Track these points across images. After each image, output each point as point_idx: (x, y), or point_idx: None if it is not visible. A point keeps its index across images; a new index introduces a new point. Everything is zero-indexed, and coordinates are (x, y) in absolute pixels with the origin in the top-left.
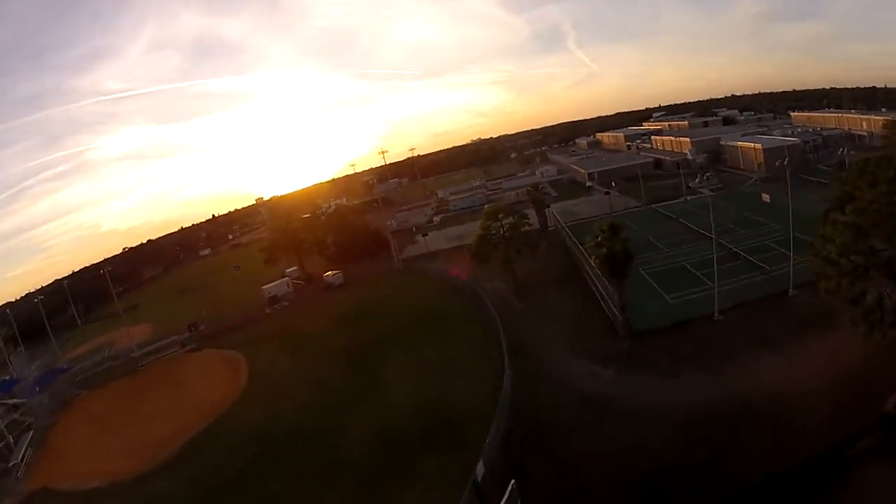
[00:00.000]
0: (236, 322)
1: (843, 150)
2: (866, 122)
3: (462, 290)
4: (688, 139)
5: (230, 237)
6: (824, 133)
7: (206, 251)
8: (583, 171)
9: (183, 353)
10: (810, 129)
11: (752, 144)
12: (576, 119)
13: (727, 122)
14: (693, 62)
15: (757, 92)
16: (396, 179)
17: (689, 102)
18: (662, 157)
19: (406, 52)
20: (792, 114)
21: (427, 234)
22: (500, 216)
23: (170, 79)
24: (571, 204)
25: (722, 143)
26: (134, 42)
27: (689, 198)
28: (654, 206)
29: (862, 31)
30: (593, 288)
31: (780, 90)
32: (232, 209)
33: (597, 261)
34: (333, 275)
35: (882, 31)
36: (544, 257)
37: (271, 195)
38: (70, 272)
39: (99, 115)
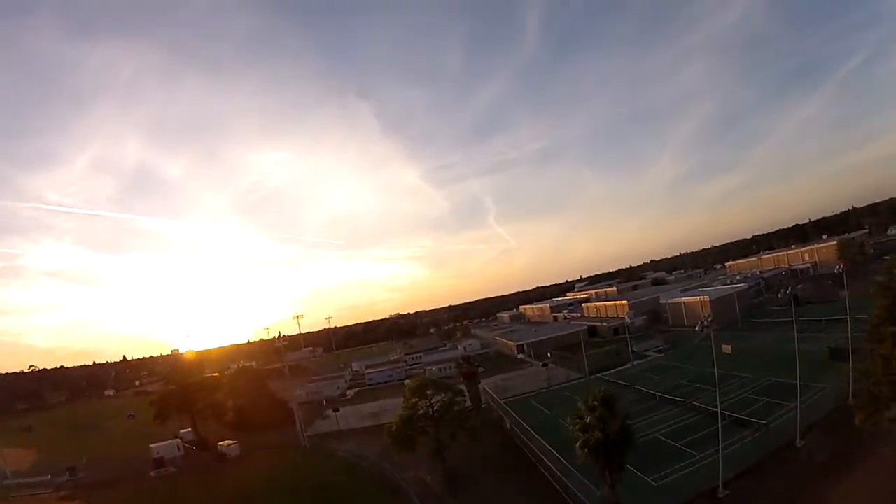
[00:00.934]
0: (115, 478)
1: (789, 287)
2: (808, 254)
3: (377, 478)
4: (625, 302)
5: (137, 383)
6: (765, 275)
7: (111, 392)
8: (511, 343)
9: (54, 498)
10: (749, 275)
11: (699, 298)
12: (495, 295)
13: (657, 283)
14: (610, 231)
15: (678, 253)
16: (311, 348)
17: (611, 272)
18: (598, 323)
19: (330, 219)
20: (727, 265)
21: (339, 410)
22: (429, 392)
23: (105, 206)
24: (504, 378)
25: (662, 301)
26: (81, 153)
27: (636, 362)
28: (599, 375)
29: (778, 174)
30: (553, 480)
31: (701, 247)
32: (146, 355)
33: (584, 450)
34: (229, 445)
35: (795, 170)
36: (479, 439)
37: (187, 349)
38: None
39: (36, 223)
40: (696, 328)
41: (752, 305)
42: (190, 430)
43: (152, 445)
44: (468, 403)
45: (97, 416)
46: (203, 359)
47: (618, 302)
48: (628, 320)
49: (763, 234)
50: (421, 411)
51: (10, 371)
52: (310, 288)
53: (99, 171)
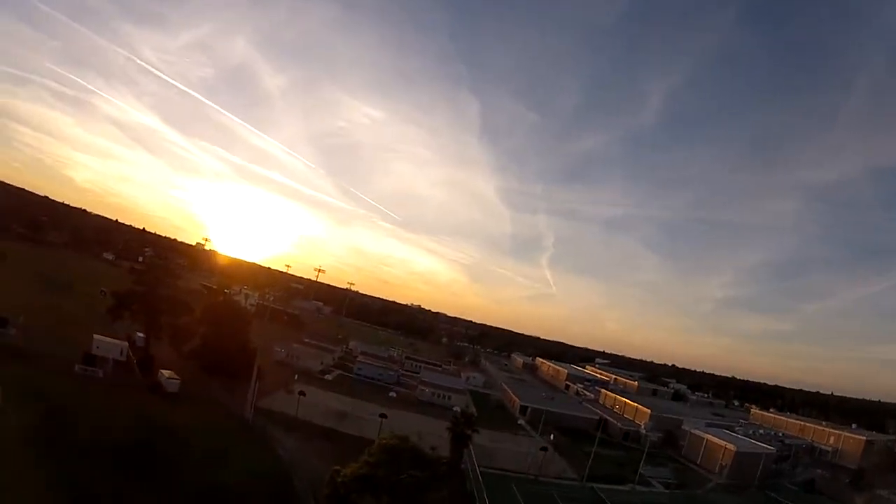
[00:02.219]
0: (35, 353)
1: (816, 472)
2: (833, 437)
3: None
4: (647, 411)
5: (140, 258)
6: (787, 440)
7: (110, 256)
8: (517, 400)
9: None
10: (772, 433)
11: (724, 443)
12: (516, 330)
13: (678, 397)
14: (646, 319)
15: (701, 370)
16: (320, 303)
17: (633, 358)
18: (611, 418)
19: (397, 191)
20: (752, 411)
21: (304, 394)
22: (403, 458)
23: (193, 86)
24: (494, 440)
25: (684, 427)
26: (189, 29)
27: (638, 487)
28: (595, 484)
29: (820, 337)
30: None
31: (722, 373)
32: (169, 236)
33: None
34: (170, 377)
35: (837, 341)
36: None
37: (211, 247)
38: None
39: (122, 72)
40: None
41: (770, 472)
42: (143, 336)
43: (96, 337)
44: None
45: (77, 275)
46: (219, 265)
47: (640, 407)
48: (643, 431)
49: (786, 388)
50: (381, 475)
51: (35, 191)
52: (347, 245)
53: (200, 52)
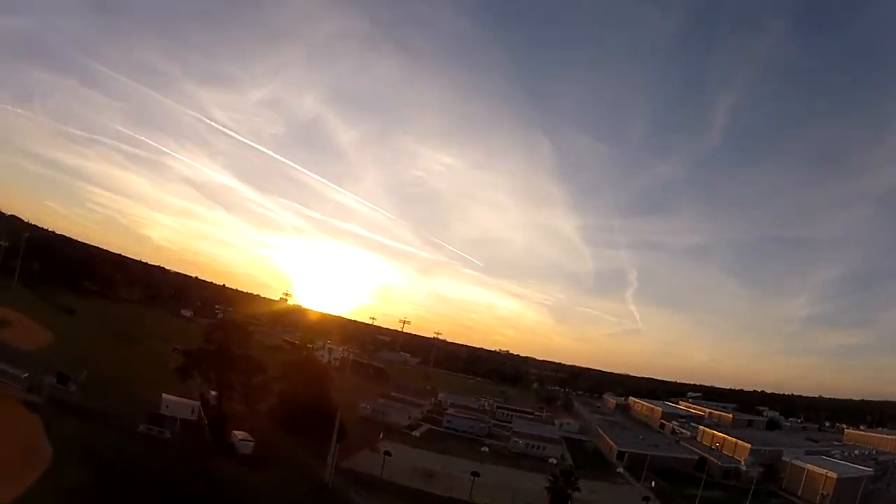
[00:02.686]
0: (101, 413)
1: None
2: None
3: None
4: (748, 446)
5: (218, 313)
6: (880, 458)
7: (188, 313)
8: (613, 445)
9: (13, 398)
10: (866, 452)
11: (824, 471)
12: (606, 369)
13: (772, 426)
14: (733, 347)
15: (789, 393)
16: (407, 355)
17: (723, 388)
18: (709, 455)
19: (477, 237)
20: (845, 431)
21: (390, 454)
22: None
23: (266, 143)
24: (593, 490)
25: (784, 458)
26: (259, 88)
27: None
28: None
29: None
30: None
31: (810, 394)
32: (252, 291)
33: None
34: (243, 438)
35: None
36: None
37: (302, 303)
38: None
39: (193, 132)
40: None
41: (868, 492)
42: (216, 394)
43: (165, 396)
44: None
45: (148, 332)
46: (302, 319)
47: (739, 441)
48: (744, 468)
49: (874, 402)
50: None
51: (110, 249)
52: (430, 293)
53: (271, 109)
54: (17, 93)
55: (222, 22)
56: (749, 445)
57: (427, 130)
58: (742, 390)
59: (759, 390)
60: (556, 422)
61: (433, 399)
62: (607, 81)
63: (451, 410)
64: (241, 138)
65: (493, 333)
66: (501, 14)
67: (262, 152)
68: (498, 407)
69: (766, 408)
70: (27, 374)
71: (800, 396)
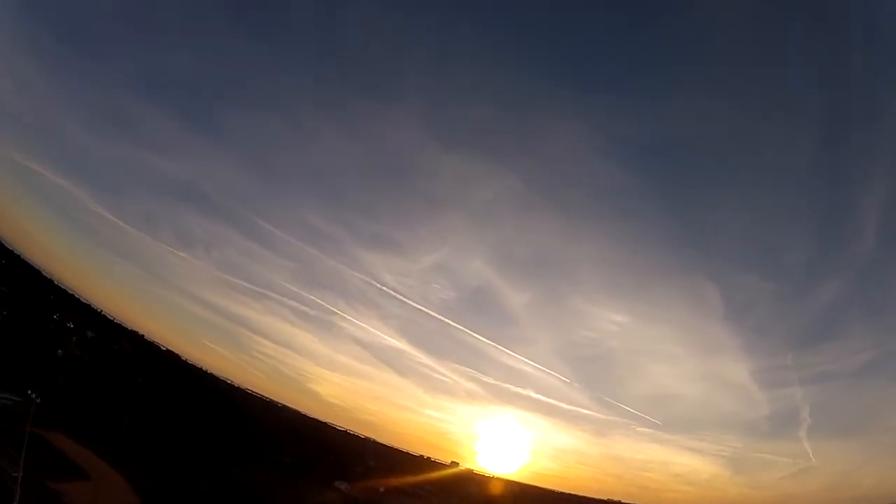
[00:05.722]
0: None
1: None
2: None
3: None
4: None
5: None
6: None
7: (345, 486)
8: None
9: None
10: None
11: None
12: None
13: None
14: None
15: None
16: None
17: None
18: None
19: (651, 394)
20: None
21: None
22: None
23: (437, 308)
24: None
25: None
26: (427, 254)
27: None
28: None
29: None
30: None
31: None
32: (423, 454)
33: None
34: None
35: None
36: None
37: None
38: None
39: (362, 295)
40: None
41: None
42: None
43: None
44: None
45: None
46: (475, 485)
47: None
48: None
49: None
50: None
51: (274, 399)
52: (605, 455)
53: (440, 274)
54: (177, 234)
55: (382, 188)
56: None
57: (596, 289)
58: None
59: None
60: None
61: None
62: (764, 212)
63: None
64: (412, 303)
65: (668, 491)
66: (647, 153)
67: (433, 317)
68: None
69: None
70: None
71: None
